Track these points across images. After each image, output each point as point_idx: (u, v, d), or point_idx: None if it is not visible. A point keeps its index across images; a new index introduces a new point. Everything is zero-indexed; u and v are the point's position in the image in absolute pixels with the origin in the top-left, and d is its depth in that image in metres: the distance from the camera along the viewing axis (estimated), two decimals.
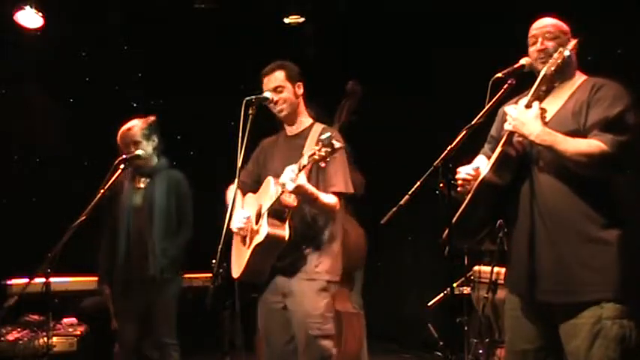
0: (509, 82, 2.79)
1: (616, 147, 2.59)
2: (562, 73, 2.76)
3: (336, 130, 3.52)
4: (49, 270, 3.68)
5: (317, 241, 3.42)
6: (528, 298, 2.80)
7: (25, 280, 3.90)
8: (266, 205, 3.34)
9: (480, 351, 4.49)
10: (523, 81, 2.89)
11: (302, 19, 6.28)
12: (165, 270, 4.28)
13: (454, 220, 2.79)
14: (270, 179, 3.39)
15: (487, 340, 4.45)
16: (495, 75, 2.79)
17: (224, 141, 3.64)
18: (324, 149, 2.99)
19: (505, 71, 2.80)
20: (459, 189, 2.87)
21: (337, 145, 2.99)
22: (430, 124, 5.79)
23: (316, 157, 3.02)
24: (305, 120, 3.60)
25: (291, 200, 3.26)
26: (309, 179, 3.28)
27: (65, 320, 5.07)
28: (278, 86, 3.49)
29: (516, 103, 2.89)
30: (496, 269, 4.27)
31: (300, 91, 3.55)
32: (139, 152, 4.27)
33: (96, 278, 4.57)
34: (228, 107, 3.82)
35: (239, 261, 3.50)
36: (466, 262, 4.54)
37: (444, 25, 5.81)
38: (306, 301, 3.37)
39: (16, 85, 6.15)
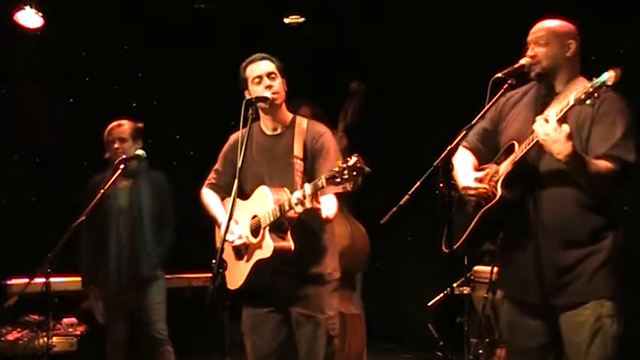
0: (509, 82, 2.80)
1: (626, 167, 2.65)
2: (568, 75, 2.81)
3: (341, 130, 3.30)
4: (49, 270, 3.68)
5: (320, 243, 3.34)
6: (530, 301, 2.83)
7: (25, 280, 3.90)
8: (265, 217, 3.19)
9: (480, 351, 4.50)
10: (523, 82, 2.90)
11: (302, 19, 6.27)
12: (157, 268, 4.45)
13: (463, 238, 2.87)
14: (265, 190, 3.23)
15: (487, 340, 4.45)
16: (495, 75, 2.80)
17: (224, 141, 3.63)
18: (348, 173, 2.82)
19: (505, 71, 2.81)
20: (472, 204, 2.88)
21: (367, 169, 2.85)
22: (430, 123, 5.78)
23: (338, 180, 2.85)
24: (286, 116, 3.43)
25: (293, 214, 3.12)
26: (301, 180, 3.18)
27: (65, 320, 5.07)
28: (272, 72, 3.32)
29: (520, 95, 2.94)
30: (496, 269, 4.26)
31: (285, 88, 3.38)
32: (139, 152, 4.26)
33: None
34: (227, 107, 3.81)
35: (236, 274, 3.32)
36: (466, 262, 4.54)
37: (443, 25, 5.80)
38: (324, 304, 3.31)
39: (16, 85, 6.15)
